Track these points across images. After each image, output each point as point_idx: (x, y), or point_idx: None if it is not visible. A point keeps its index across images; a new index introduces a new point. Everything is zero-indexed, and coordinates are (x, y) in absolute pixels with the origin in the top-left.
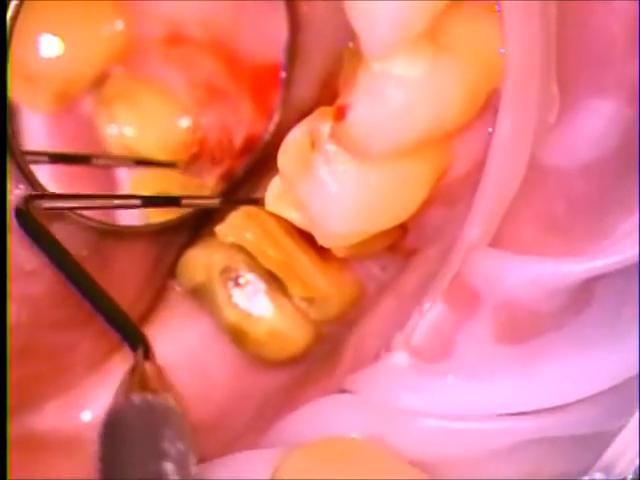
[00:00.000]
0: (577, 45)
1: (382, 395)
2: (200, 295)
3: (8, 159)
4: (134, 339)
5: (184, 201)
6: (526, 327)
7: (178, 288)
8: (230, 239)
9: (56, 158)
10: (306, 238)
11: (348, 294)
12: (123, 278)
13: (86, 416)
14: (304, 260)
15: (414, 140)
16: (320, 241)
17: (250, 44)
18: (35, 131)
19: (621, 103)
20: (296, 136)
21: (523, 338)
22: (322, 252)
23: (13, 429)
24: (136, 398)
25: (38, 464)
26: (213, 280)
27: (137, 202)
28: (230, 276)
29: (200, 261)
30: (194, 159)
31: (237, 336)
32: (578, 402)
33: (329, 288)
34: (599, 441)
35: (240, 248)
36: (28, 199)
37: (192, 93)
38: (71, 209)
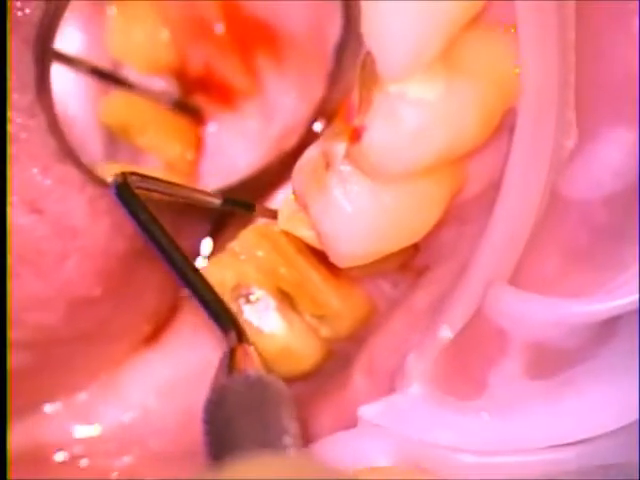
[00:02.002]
0: (596, 75)
1: (414, 430)
2: None
3: (8, 161)
4: (226, 322)
5: (257, 208)
6: (553, 362)
7: (190, 303)
8: (242, 257)
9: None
10: (317, 255)
11: (359, 311)
12: (144, 292)
13: (95, 430)
14: (315, 278)
15: (430, 162)
16: (334, 261)
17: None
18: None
19: None
20: (310, 156)
21: (550, 373)
22: (333, 269)
23: (20, 441)
24: (252, 374)
25: (45, 476)
26: (225, 297)
27: (217, 202)
28: (241, 293)
29: (212, 278)
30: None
31: None
32: (608, 433)
33: (340, 305)
34: (629, 471)
35: (252, 265)
36: (124, 175)
37: (186, 20)
38: (156, 191)
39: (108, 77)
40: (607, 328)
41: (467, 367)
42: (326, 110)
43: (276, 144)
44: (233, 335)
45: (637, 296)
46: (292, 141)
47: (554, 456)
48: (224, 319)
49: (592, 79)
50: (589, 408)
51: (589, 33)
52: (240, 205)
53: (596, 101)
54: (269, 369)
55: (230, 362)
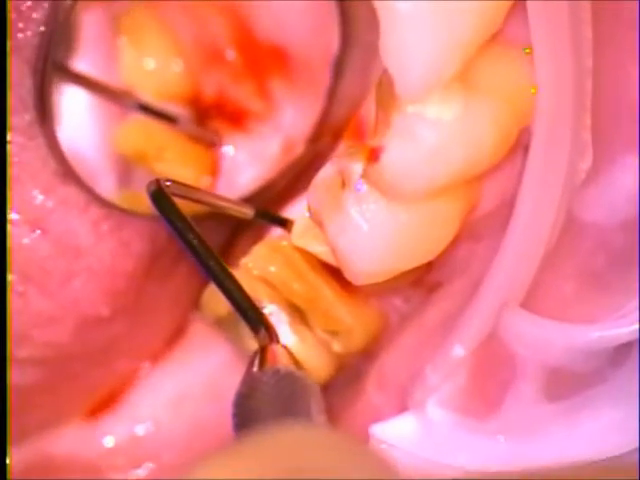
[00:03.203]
0: (613, 100)
1: (427, 450)
2: (224, 326)
3: (7, 157)
4: (256, 322)
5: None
6: (568, 386)
7: (200, 318)
8: (255, 272)
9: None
10: (330, 271)
11: (372, 327)
12: (155, 310)
13: (108, 442)
14: (328, 293)
15: (447, 181)
16: (349, 279)
17: (266, 24)
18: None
19: None
20: (326, 175)
21: (565, 396)
22: (346, 285)
23: (33, 455)
24: (282, 368)
25: None
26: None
27: (250, 213)
28: None
29: None
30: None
31: None
32: (623, 454)
33: (353, 321)
34: None
35: (264, 280)
36: (159, 181)
37: (197, 47)
38: (190, 199)
39: (120, 97)
40: (622, 351)
41: (482, 389)
42: (330, 124)
43: (281, 158)
44: (264, 334)
45: None
46: (295, 155)
47: None
48: (255, 319)
49: (610, 106)
50: (604, 430)
51: (609, 61)
52: (274, 219)
53: (613, 127)
54: (299, 367)
55: (260, 359)
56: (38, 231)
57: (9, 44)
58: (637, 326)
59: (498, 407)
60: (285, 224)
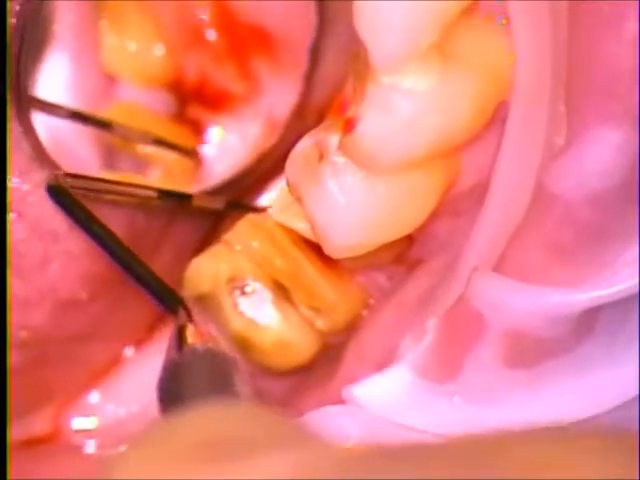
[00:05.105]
0: (586, 74)
1: (385, 410)
2: (206, 304)
3: (8, 162)
4: (172, 303)
5: (195, 200)
6: (531, 352)
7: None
8: (237, 248)
9: (74, 115)
10: (313, 247)
11: (355, 304)
12: (138, 293)
13: (92, 423)
14: (311, 270)
15: (423, 152)
16: (328, 252)
17: (246, 5)
18: None
19: (629, 133)
20: (304, 147)
21: (528, 363)
22: (329, 261)
23: (18, 434)
24: (199, 347)
25: (41, 470)
26: (219, 289)
27: (154, 194)
28: (236, 285)
29: (206, 270)
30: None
31: (243, 345)
32: (580, 422)
33: (336, 298)
34: None
35: (247, 257)
36: (58, 176)
37: (179, 29)
38: (92, 191)
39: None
40: (586, 322)
41: (445, 351)
42: (313, 105)
43: (263, 140)
44: (182, 314)
45: (616, 289)
46: (277, 137)
47: None
48: (170, 299)
49: (581, 78)
50: (563, 398)
51: (580, 32)
52: (176, 196)
53: (584, 100)
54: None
55: (180, 340)
56: (13, 214)
57: (9, 45)
58: (600, 293)
59: (458, 369)
60: (190, 201)
